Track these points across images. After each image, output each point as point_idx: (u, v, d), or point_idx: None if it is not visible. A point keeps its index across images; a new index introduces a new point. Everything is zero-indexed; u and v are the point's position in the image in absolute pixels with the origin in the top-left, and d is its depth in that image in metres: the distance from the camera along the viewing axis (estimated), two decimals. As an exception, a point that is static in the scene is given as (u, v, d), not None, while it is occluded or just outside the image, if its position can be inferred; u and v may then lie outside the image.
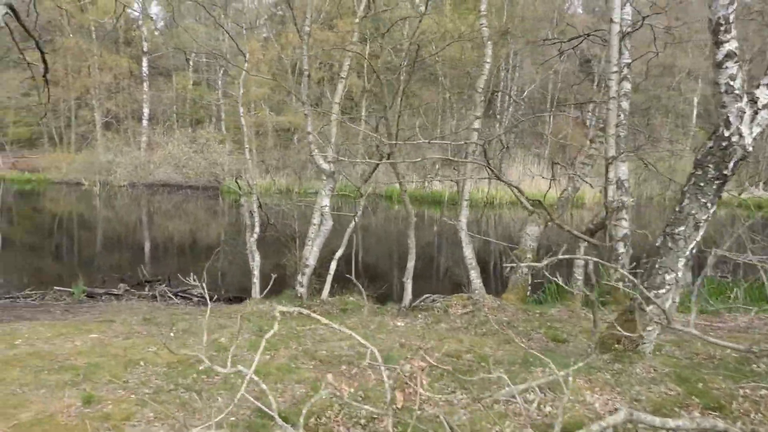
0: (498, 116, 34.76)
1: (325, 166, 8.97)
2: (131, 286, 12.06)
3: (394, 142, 8.28)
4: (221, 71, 40.50)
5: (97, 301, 11.01)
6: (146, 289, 12.18)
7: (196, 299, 11.42)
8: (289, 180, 36.06)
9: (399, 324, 7.39)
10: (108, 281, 12.71)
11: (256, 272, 10.67)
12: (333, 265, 9.82)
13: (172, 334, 6.86)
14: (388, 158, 8.11)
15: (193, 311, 9.41)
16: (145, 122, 39.63)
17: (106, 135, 38.97)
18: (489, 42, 9.39)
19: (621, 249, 10.50)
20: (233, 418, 4.01)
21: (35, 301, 10.50)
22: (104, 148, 37.45)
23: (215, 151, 36.51)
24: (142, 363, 5.24)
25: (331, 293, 10.38)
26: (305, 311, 3.31)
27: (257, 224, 10.80)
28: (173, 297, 11.41)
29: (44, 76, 11.83)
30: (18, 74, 36.93)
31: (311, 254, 9.48)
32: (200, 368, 5.22)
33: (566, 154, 32.47)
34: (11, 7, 9.03)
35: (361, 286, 8.27)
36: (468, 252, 10.66)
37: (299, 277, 9.54)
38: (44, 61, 11.48)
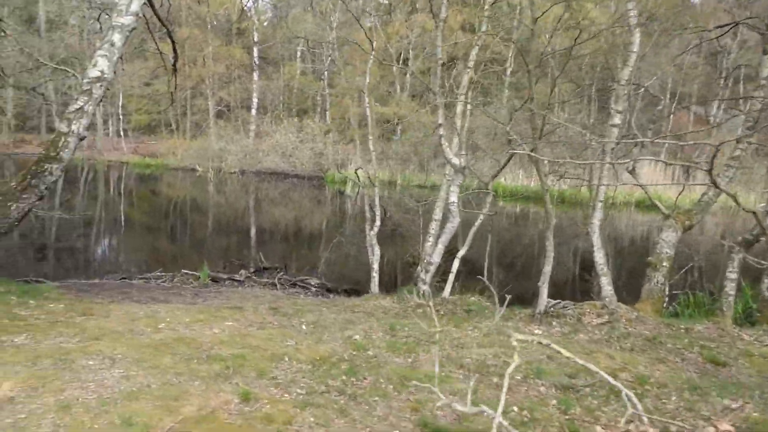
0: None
1: (455, 160, 8.62)
2: (251, 273, 12.30)
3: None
4: (327, 61, 41.20)
5: (220, 286, 11.27)
6: (265, 276, 12.38)
7: (314, 289, 11.45)
8: (392, 171, 36.16)
9: (536, 331, 6.95)
10: (228, 267, 13.06)
11: (376, 266, 10.52)
12: (456, 264, 9.47)
13: (304, 327, 6.78)
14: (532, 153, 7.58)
15: (315, 302, 9.37)
16: (254, 111, 40.94)
17: (218, 123, 40.63)
18: (637, 29, 8.65)
19: (779, 262, 9.46)
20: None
21: (166, 283, 10.90)
22: (216, 136, 39.04)
23: (321, 141, 37.19)
24: (286, 358, 5.14)
25: (451, 292, 10.08)
26: (545, 341, 2.97)
27: (378, 217, 10.63)
28: (292, 286, 11.53)
29: (174, 64, 12.25)
30: (142, 64, 39.29)
31: (435, 251, 9.18)
32: (343, 368, 5.05)
33: (684, 154, 30.32)
34: (148, -2, 9.35)
35: (493, 289, 7.86)
36: (599, 257, 9.98)
37: (422, 275, 9.28)
38: (174, 51, 11.85)
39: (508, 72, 36.98)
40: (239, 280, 11.63)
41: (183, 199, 26.86)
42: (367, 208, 11.06)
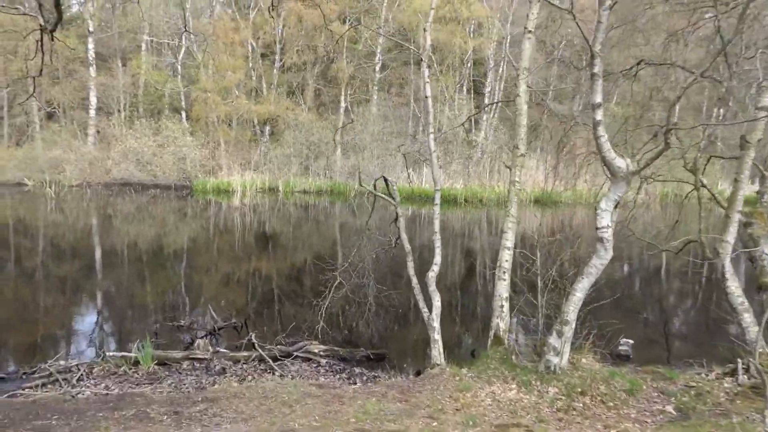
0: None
1: (620, 163, 5.46)
2: (207, 340, 8.11)
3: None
4: (181, 53, 35.66)
5: (173, 372, 7.05)
6: (227, 341, 8.29)
7: (324, 361, 7.61)
8: (271, 177, 31.88)
9: None
10: (160, 330, 8.69)
11: (436, 324, 7.00)
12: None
13: None
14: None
15: (393, 406, 5.64)
16: (92, 112, 34.01)
17: (50, 127, 33.30)
18: None
19: None
20: None
21: (83, 389, 6.38)
22: (50, 142, 31.84)
23: (183, 145, 31.82)
24: None
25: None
26: None
27: (438, 250, 7.09)
28: (285, 357, 7.60)
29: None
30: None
31: (571, 302, 5.94)
32: None
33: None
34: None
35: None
36: (734, 287, 7.43)
37: (552, 340, 5.97)
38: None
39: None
40: (203, 359, 7.44)
41: (21, 225, 20.39)
42: (403, 236, 7.46)
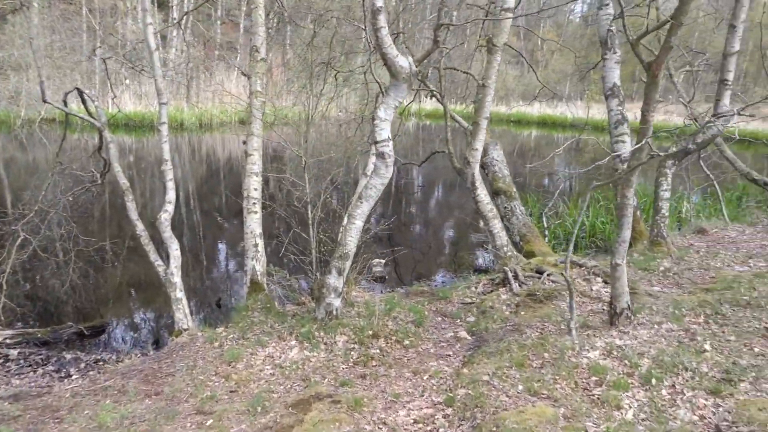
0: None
1: (403, 62, 4.42)
2: None
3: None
4: None
5: None
6: None
7: (16, 352, 5.42)
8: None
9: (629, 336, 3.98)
10: None
11: (177, 279, 5.41)
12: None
13: None
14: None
15: (139, 405, 4.03)
16: None
17: None
18: None
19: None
20: None
21: None
22: None
23: None
24: None
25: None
26: None
27: (171, 185, 5.32)
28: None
29: None
30: None
31: (349, 234, 4.93)
32: None
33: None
34: None
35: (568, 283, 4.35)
36: (482, 194, 7.37)
37: (331, 279, 4.91)
38: None
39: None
40: None
41: None
42: (116, 167, 5.54)
